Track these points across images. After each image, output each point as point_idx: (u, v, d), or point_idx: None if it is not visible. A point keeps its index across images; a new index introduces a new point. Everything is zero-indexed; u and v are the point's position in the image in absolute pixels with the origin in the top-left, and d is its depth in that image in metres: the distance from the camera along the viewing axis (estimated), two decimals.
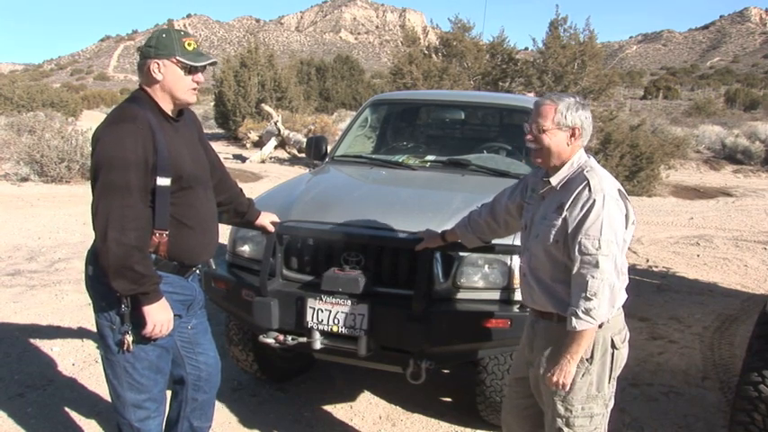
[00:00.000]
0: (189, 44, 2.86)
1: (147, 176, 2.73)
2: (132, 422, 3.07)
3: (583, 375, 2.79)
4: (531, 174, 3.21)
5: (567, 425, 2.87)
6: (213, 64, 2.99)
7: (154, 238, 2.84)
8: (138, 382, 3.00)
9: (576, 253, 2.66)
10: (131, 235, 2.67)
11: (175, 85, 2.86)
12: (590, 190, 2.69)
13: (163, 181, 2.78)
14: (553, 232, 2.75)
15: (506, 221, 3.30)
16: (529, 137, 2.84)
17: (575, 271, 2.67)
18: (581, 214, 2.67)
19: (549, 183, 2.85)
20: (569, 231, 2.70)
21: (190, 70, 2.87)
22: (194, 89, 2.92)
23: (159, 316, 2.82)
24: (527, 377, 3.06)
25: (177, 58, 2.82)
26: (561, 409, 2.86)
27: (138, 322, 2.84)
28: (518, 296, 3.65)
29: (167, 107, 2.90)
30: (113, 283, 2.72)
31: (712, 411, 4.65)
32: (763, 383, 3.47)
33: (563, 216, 2.73)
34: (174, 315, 3.02)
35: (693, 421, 4.49)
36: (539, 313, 2.93)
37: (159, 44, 2.83)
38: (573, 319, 2.65)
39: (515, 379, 3.22)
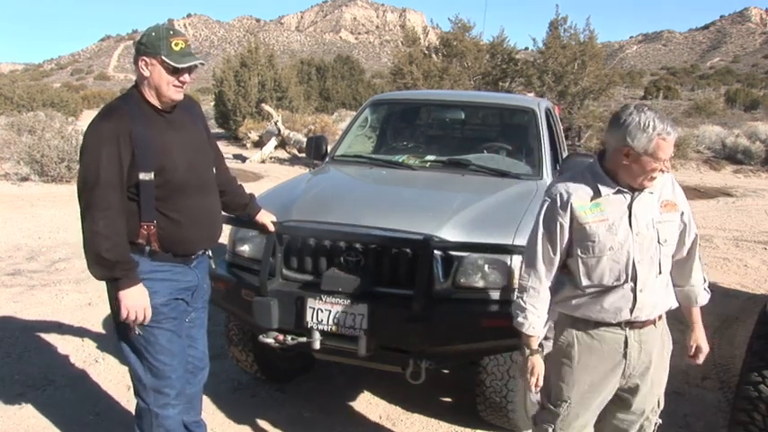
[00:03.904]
0: (176, 44, 2.93)
1: (122, 174, 2.85)
2: (152, 406, 3.15)
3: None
4: (553, 201, 2.84)
5: (655, 412, 3.15)
6: (200, 65, 3.06)
7: (142, 230, 2.95)
8: (155, 366, 3.09)
9: (694, 234, 2.93)
10: (101, 223, 2.80)
11: (160, 82, 2.95)
12: (673, 179, 2.88)
13: (144, 176, 2.90)
14: (677, 229, 2.88)
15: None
16: (665, 166, 2.70)
17: (691, 252, 2.94)
18: (685, 202, 2.89)
19: (639, 192, 2.77)
20: (685, 220, 2.89)
21: (174, 70, 2.93)
22: (179, 87, 2.99)
23: (132, 301, 2.90)
24: (601, 400, 2.98)
25: (162, 57, 2.91)
26: (656, 404, 3.15)
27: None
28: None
29: (156, 102, 3.00)
30: (89, 269, 2.90)
31: (712, 411, 4.64)
32: (763, 383, 3.48)
33: (680, 211, 2.87)
34: (179, 299, 3.14)
35: (693, 421, 4.49)
36: (642, 324, 2.93)
37: (148, 42, 2.93)
38: (705, 294, 3.08)
39: (585, 408, 2.99)
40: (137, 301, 2.91)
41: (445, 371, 4.88)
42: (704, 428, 4.43)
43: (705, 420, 4.52)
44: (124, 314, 2.91)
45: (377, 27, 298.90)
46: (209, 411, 4.38)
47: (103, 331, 5.69)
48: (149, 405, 3.14)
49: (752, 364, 3.62)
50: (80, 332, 5.75)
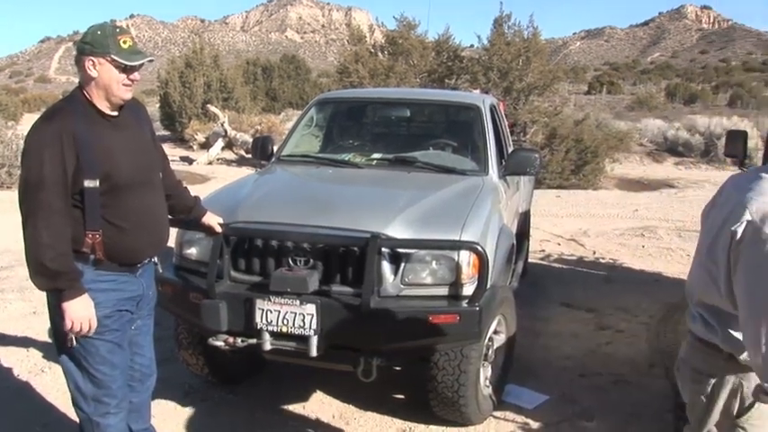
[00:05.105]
0: (124, 42, 2.86)
1: (66, 177, 2.77)
2: (92, 416, 3.07)
3: None
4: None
5: None
6: (150, 62, 3.01)
7: (87, 239, 2.87)
8: (94, 376, 3.01)
9: None
10: (44, 233, 2.72)
11: (110, 82, 2.87)
12: None
13: (90, 183, 2.82)
14: None
15: None
16: None
17: None
18: None
19: None
20: None
21: (125, 69, 2.87)
22: (129, 86, 2.93)
23: (77, 312, 2.82)
24: None
25: (112, 56, 2.83)
26: None
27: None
28: (466, 291, 3.69)
29: (103, 104, 2.91)
30: (31, 279, 2.82)
31: (659, 398, 4.75)
32: None
33: None
34: (124, 311, 3.05)
35: (642, 408, 4.59)
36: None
37: (94, 41, 2.84)
38: None
39: None
40: (81, 312, 2.82)
41: (397, 368, 4.89)
42: (652, 415, 4.52)
43: (652, 407, 4.62)
44: (68, 325, 2.82)
45: (322, 26, 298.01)
46: (161, 417, 4.32)
47: (49, 340, 5.53)
48: (89, 414, 3.06)
49: None
50: (25, 342, 5.62)
